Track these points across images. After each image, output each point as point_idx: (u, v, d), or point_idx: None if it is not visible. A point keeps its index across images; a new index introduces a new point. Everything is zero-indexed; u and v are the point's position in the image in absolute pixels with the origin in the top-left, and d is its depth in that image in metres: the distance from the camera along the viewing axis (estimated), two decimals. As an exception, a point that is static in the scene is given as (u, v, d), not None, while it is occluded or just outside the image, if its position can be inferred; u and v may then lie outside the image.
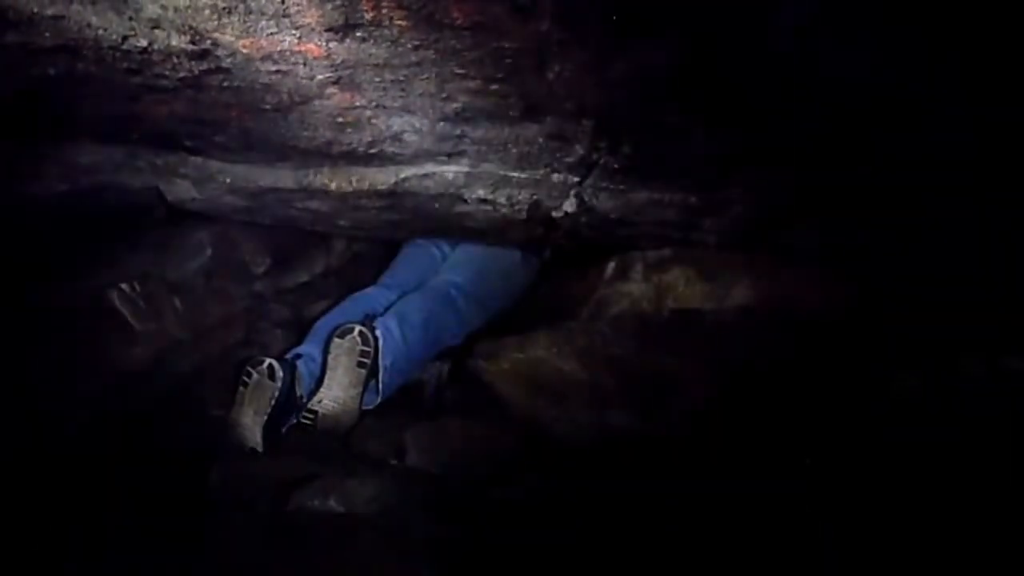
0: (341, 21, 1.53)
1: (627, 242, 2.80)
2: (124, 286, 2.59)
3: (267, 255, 3.12)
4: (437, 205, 2.54)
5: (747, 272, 2.66)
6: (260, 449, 2.59)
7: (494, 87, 1.72)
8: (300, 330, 3.06)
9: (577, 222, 2.61)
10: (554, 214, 2.54)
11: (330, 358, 2.75)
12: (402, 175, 2.37)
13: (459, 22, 1.51)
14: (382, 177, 2.40)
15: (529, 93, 1.74)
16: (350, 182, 2.44)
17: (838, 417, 2.38)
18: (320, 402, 2.73)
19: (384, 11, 1.47)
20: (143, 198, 2.56)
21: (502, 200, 2.46)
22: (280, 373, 2.60)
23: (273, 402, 2.59)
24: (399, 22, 1.51)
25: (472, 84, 1.73)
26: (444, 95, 1.82)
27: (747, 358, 2.51)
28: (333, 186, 2.47)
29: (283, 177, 2.49)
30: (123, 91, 1.89)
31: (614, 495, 2.20)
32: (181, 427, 2.67)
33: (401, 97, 1.86)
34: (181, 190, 2.59)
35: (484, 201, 2.47)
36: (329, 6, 1.49)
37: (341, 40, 1.61)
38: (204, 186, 2.57)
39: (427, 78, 1.74)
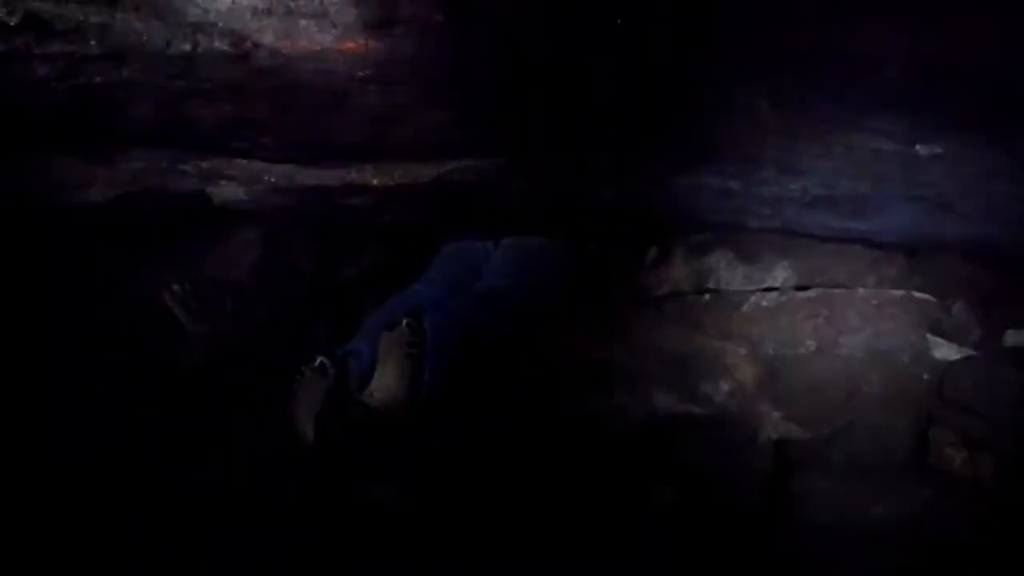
0: (380, 18, 1.54)
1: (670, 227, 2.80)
2: (175, 287, 2.63)
3: (314, 253, 3.15)
4: (478, 197, 2.54)
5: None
6: (313, 444, 2.61)
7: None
8: (349, 326, 3.08)
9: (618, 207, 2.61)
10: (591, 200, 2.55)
11: (380, 352, 2.77)
12: (444, 168, 2.38)
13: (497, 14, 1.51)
14: (424, 171, 2.41)
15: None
16: (392, 177, 2.46)
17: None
18: (371, 395, 2.75)
19: (423, 6, 1.48)
20: (190, 201, 2.60)
21: (541, 188, 2.46)
22: (331, 370, 2.62)
23: (325, 398, 2.62)
24: (438, 16, 1.51)
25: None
26: (486, 87, 1.83)
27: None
28: (376, 182, 2.49)
29: (327, 175, 2.52)
30: (168, 96, 1.92)
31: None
32: (234, 426, 2.71)
33: (442, 92, 1.87)
34: (227, 192, 2.63)
35: (524, 191, 2.48)
36: (368, 4, 1.50)
37: (380, 37, 1.62)
38: (250, 187, 2.60)
39: (468, 71, 1.74)
